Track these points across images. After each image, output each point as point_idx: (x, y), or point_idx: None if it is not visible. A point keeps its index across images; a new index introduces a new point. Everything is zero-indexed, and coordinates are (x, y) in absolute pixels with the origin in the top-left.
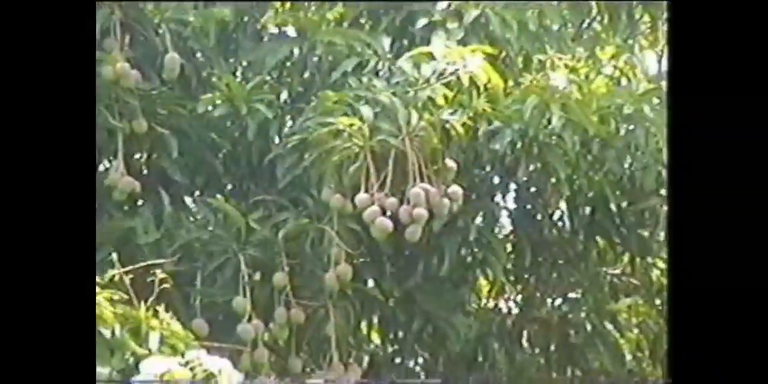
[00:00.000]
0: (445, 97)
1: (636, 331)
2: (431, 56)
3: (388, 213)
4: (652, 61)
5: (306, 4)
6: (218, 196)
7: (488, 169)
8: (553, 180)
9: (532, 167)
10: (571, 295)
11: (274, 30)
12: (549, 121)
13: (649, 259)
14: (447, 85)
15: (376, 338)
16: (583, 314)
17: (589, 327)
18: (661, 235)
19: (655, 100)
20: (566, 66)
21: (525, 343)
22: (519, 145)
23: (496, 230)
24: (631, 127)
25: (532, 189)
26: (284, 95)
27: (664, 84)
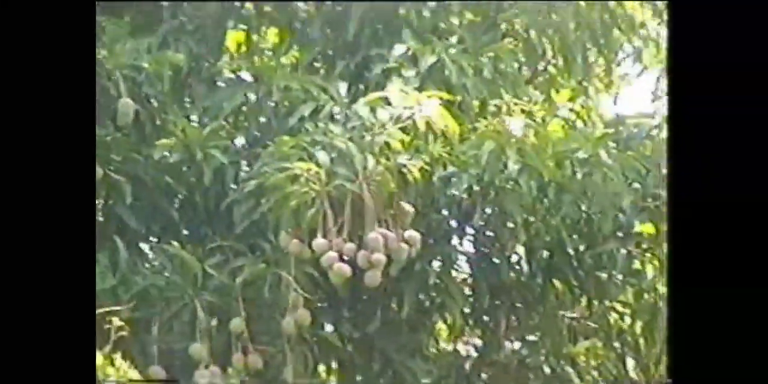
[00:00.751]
0: (402, 142)
1: (595, 373)
2: (387, 101)
3: (346, 258)
4: (608, 104)
5: (259, 49)
6: (174, 242)
7: (445, 213)
8: (510, 224)
9: (489, 211)
10: (530, 337)
11: (230, 75)
12: (505, 166)
13: (607, 302)
14: (403, 129)
15: (334, 382)
16: (541, 357)
17: (547, 370)
18: (619, 278)
19: (611, 144)
20: (522, 111)
21: None
22: (475, 189)
23: (454, 274)
24: (587, 171)
25: (489, 233)
26: (240, 140)
27: (620, 127)
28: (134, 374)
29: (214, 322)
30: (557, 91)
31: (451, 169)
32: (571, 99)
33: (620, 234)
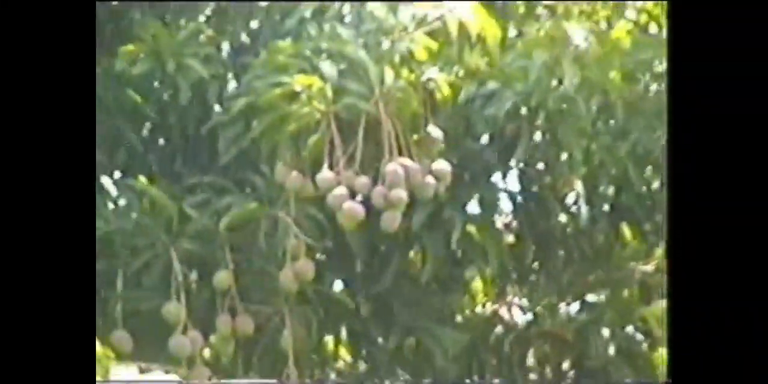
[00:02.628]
0: (429, 50)
1: None
2: None
3: (359, 196)
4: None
5: None
6: (143, 176)
7: (484, 141)
8: (566, 155)
9: (538, 139)
10: (591, 298)
11: None
12: (560, 81)
13: None
14: (430, 34)
15: (344, 354)
16: (606, 323)
17: (612, 346)
18: None
19: None
20: (581, 12)
21: (532, 362)
22: (522, 111)
23: (495, 218)
24: (664, 87)
25: (539, 166)
26: (225, 47)
27: None
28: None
29: (193, 276)
30: None
31: (491, 84)
32: None
33: None
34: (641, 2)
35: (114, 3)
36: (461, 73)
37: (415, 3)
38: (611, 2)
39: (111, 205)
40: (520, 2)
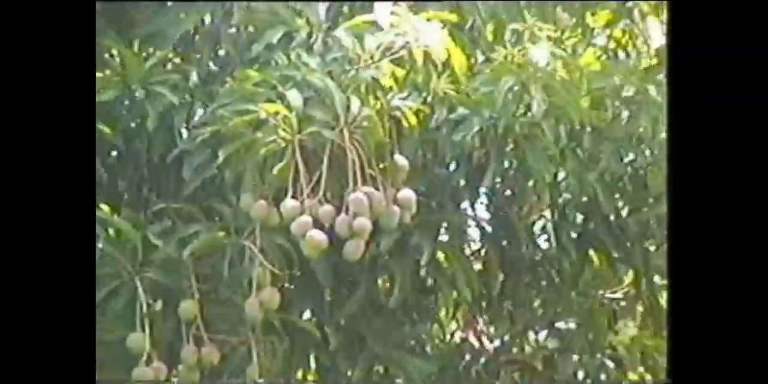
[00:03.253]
0: (395, 78)
1: (642, 369)
2: (376, 26)
3: (323, 224)
4: (656, 29)
5: None
6: (107, 204)
7: (451, 168)
8: (534, 181)
9: (506, 165)
10: (560, 325)
11: None
12: (528, 108)
13: (657, 279)
14: (396, 62)
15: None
16: (575, 350)
17: (581, 373)
18: None
19: (662, 78)
20: (549, 37)
21: None
22: (490, 137)
23: (463, 245)
24: (633, 112)
25: (507, 193)
26: (193, 76)
27: None
28: None
29: (159, 306)
30: (593, 14)
31: (458, 111)
32: (610, 23)
33: None
34: (634, 2)
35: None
36: (429, 99)
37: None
38: (580, 27)
39: None
40: (489, 26)
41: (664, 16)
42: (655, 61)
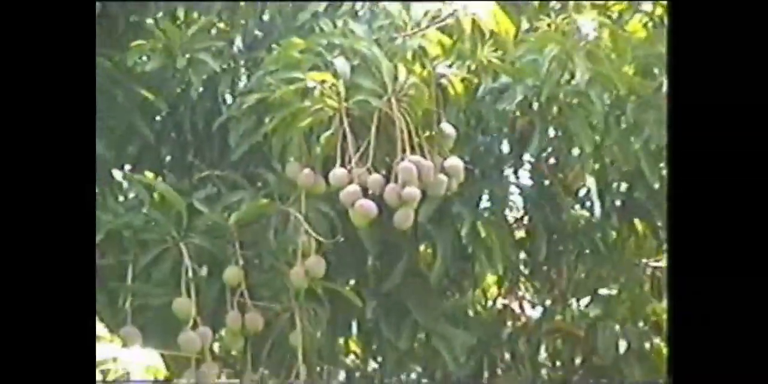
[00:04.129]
0: (441, 46)
1: None
2: None
3: (371, 193)
4: None
5: None
6: (153, 171)
7: (495, 136)
8: (578, 150)
9: (551, 134)
10: (602, 292)
11: None
12: (572, 75)
13: None
14: (443, 30)
15: (354, 349)
16: (617, 318)
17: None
18: None
19: None
20: (594, 5)
21: (543, 358)
22: (534, 105)
23: (507, 213)
24: None
25: (551, 161)
26: (237, 42)
27: None
28: (102, 334)
29: (203, 272)
30: None
31: (502, 79)
32: None
33: None
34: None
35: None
36: (473, 67)
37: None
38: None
39: (121, 199)
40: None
41: None
42: None
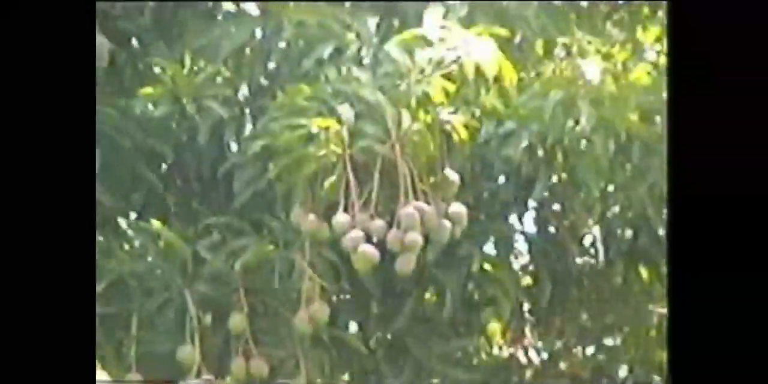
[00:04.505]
0: (445, 92)
1: None
2: (426, 40)
3: (374, 239)
4: None
5: None
6: (158, 218)
7: (500, 181)
8: (583, 195)
9: (555, 179)
10: (608, 340)
11: (231, 7)
12: (576, 121)
13: None
14: (447, 76)
15: None
16: (623, 365)
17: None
18: None
19: None
20: (598, 51)
21: None
22: (539, 151)
23: (511, 259)
24: None
25: (556, 207)
26: (243, 90)
27: None
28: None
29: (208, 319)
30: (643, 29)
31: (507, 125)
32: (660, 38)
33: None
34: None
35: (133, 45)
36: (477, 113)
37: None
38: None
39: (126, 247)
40: (538, 41)
41: None
42: None
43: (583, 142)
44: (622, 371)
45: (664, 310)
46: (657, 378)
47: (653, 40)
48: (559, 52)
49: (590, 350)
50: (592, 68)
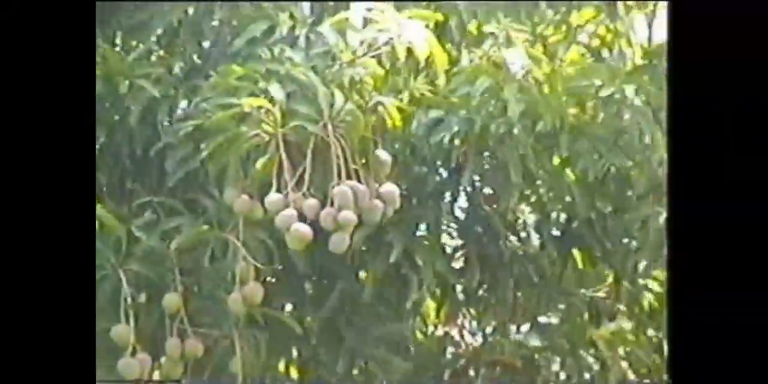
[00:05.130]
0: (377, 75)
1: (624, 364)
2: (359, 22)
3: (307, 218)
4: (641, 26)
5: None
6: None
7: (433, 164)
8: (513, 180)
9: (486, 165)
10: (542, 320)
11: None
12: (504, 107)
13: (640, 280)
14: (379, 59)
15: (293, 377)
16: (556, 350)
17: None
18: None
19: (645, 78)
20: (526, 40)
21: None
22: (468, 137)
23: (444, 240)
24: (612, 112)
25: (487, 191)
26: (176, 69)
27: (655, 60)
28: None
29: (143, 299)
30: (576, 11)
31: (437, 112)
32: (593, 20)
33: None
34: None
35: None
36: (406, 99)
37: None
38: (562, 26)
39: None
40: (469, 26)
41: (649, 10)
42: (639, 61)
43: (510, 128)
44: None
45: (598, 294)
46: (590, 358)
47: (587, 22)
48: (489, 38)
49: (524, 329)
50: (517, 55)
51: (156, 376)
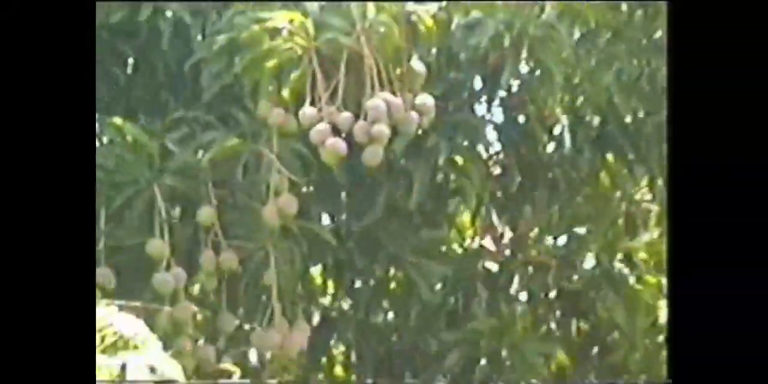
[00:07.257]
0: None
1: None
2: None
3: (341, 131)
4: None
5: None
6: (123, 112)
7: (467, 72)
8: (549, 83)
9: (523, 68)
10: (576, 229)
11: None
12: (541, 9)
13: None
14: None
15: (329, 288)
16: (589, 253)
17: (597, 271)
18: None
19: None
20: None
21: (515, 292)
22: (505, 39)
23: (480, 149)
24: (649, 14)
25: (524, 96)
26: None
27: None
28: None
29: (176, 212)
30: None
31: (472, 15)
32: None
33: None
34: None
35: None
36: (444, 3)
37: None
38: None
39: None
40: None
41: None
42: None
43: (548, 30)
44: (589, 261)
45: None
46: (620, 265)
47: None
48: None
49: (559, 240)
50: None
51: (190, 289)
